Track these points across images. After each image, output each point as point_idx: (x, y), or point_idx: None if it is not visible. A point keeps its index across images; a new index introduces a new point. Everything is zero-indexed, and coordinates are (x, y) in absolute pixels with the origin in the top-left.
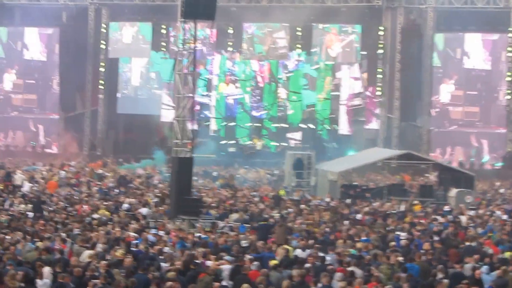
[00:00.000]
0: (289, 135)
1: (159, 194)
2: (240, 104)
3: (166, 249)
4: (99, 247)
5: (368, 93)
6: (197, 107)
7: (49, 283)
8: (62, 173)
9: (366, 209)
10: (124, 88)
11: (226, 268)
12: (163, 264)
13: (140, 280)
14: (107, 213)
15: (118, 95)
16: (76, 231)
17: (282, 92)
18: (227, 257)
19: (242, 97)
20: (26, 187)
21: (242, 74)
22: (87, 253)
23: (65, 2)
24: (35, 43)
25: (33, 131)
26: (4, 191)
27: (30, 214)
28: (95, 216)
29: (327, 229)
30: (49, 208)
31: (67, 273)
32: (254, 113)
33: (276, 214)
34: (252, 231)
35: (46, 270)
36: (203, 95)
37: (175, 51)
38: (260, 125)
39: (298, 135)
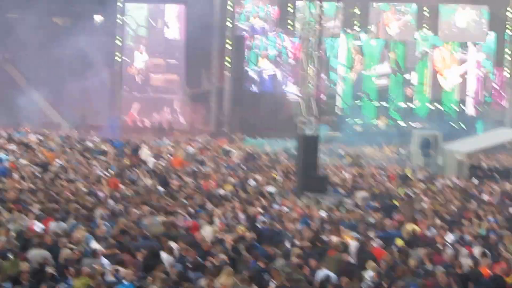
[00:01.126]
0: (413, 124)
1: (284, 171)
2: (366, 83)
3: (293, 226)
4: (222, 222)
5: (495, 74)
6: (323, 85)
7: (175, 258)
8: (190, 148)
9: (496, 189)
10: (250, 65)
11: (352, 244)
12: (289, 241)
13: (264, 256)
14: (233, 189)
15: (246, 72)
16: (201, 206)
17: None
18: (353, 234)
19: (369, 75)
20: (151, 162)
21: (368, 53)
22: (210, 228)
23: None
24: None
25: (166, 110)
26: (131, 165)
27: (157, 189)
28: (221, 191)
29: (455, 209)
30: (175, 183)
31: (192, 248)
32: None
33: (402, 193)
34: (378, 209)
35: (172, 244)
36: (329, 73)
37: (301, 29)
38: (386, 104)
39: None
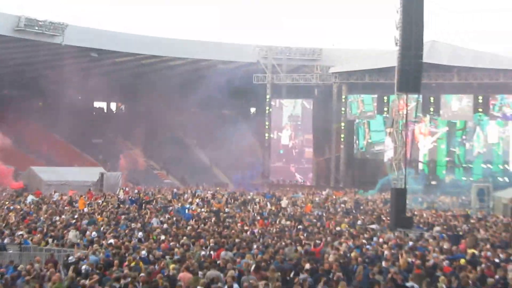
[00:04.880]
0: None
1: (382, 214)
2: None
3: (388, 252)
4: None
5: None
6: (409, 151)
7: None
8: (316, 199)
9: None
10: (360, 139)
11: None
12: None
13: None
14: (347, 226)
15: (355, 145)
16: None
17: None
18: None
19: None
20: (290, 209)
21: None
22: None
23: (316, 82)
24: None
25: (300, 172)
26: (275, 211)
27: (294, 227)
28: (338, 228)
29: (503, 238)
30: (306, 223)
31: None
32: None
33: (465, 227)
34: (448, 239)
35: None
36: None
37: (394, 114)
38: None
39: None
